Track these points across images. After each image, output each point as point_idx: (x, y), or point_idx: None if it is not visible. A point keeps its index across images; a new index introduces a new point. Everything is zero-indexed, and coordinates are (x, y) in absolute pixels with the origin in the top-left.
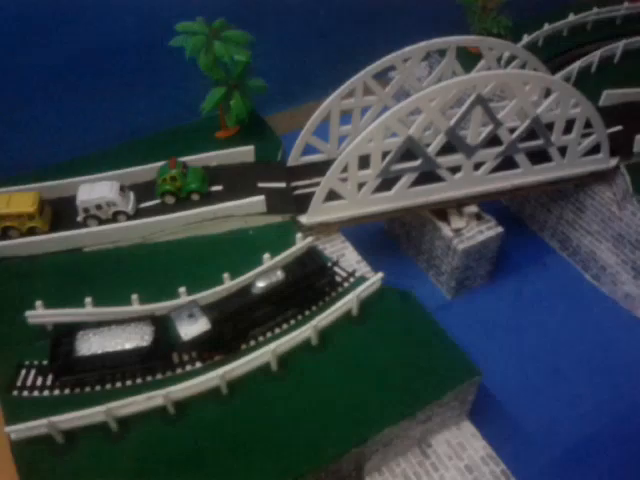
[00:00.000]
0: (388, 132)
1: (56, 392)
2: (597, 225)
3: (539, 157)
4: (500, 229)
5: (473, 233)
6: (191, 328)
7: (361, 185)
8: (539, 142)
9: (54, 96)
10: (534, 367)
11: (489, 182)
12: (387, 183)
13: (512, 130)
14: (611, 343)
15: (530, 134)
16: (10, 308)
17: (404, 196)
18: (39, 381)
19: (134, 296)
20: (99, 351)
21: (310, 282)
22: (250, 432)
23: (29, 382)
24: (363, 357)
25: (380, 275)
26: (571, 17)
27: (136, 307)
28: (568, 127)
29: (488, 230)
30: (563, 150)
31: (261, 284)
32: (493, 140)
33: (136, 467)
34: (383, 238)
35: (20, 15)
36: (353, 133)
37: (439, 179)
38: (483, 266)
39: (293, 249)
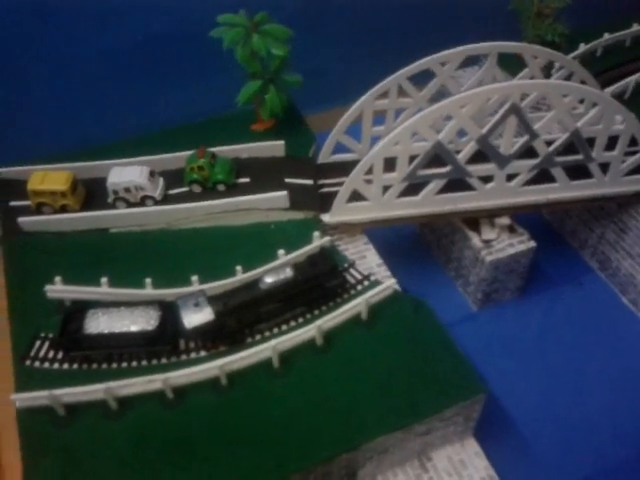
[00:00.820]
0: (420, 136)
1: (65, 366)
2: (639, 248)
3: (579, 172)
4: (532, 243)
5: (503, 245)
6: (195, 317)
7: (387, 188)
8: (578, 157)
9: (96, 83)
10: (555, 390)
11: (523, 194)
12: (414, 188)
13: (551, 143)
14: None
15: (570, 148)
16: (34, 281)
17: (431, 202)
18: (50, 354)
19: (148, 280)
20: (106, 330)
21: (319, 282)
22: (244, 425)
23: (42, 354)
24: (367, 363)
25: (393, 281)
26: (635, 27)
27: (148, 291)
28: (613, 144)
29: (520, 244)
30: (605, 167)
31: (269, 280)
32: (530, 151)
33: (131, 446)
34: (415, 243)
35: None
36: (385, 134)
37: (469, 187)
38: (513, 280)
39: (307, 248)
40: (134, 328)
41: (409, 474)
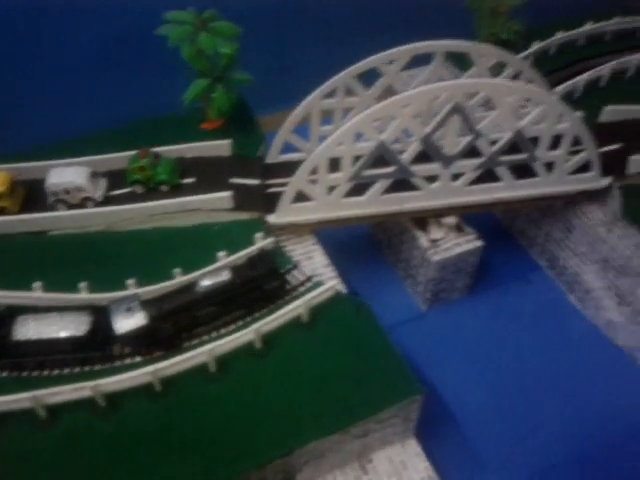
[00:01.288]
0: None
1: None
2: (584, 247)
3: (526, 172)
4: (479, 243)
5: (450, 245)
6: (126, 322)
7: (333, 188)
8: (523, 156)
9: (39, 81)
10: (500, 389)
11: (469, 194)
12: (362, 188)
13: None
14: (587, 371)
15: (517, 148)
16: None
17: (378, 202)
18: None
19: (82, 284)
20: (34, 337)
21: (258, 284)
22: (178, 432)
23: None
24: (305, 365)
25: (333, 283)
26: (588, 26)
27: (82, 295)
28: (558, 143)
29: (467, 243)
30: (551, 166)
31: (206, 282)
32: (475, 151)
33: (61, 456)
34: (367, 244)
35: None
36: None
37: (416, 187)
38: (461, 279)
39: (247, 250)
40: (63, 334)
41: (349, 476)
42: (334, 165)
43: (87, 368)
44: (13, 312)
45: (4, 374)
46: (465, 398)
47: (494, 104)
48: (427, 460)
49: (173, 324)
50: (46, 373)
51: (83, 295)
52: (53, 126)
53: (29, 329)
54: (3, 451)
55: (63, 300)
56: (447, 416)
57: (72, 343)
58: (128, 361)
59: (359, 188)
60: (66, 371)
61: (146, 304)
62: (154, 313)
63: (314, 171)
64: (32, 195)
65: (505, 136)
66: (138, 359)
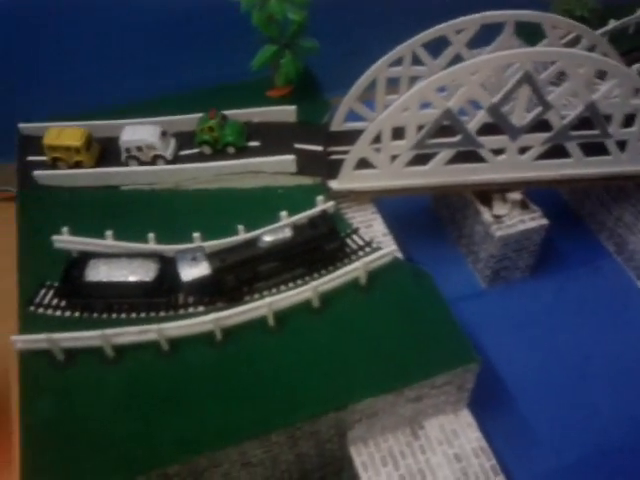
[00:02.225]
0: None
1: (67, 313)
2: None
3: (596, 149)
4: (545, 221)
5: (514, 222)
6: (191, 271)
7: (395, 157)
8: (595, 132)
9: (116, 45)
10: (559, 370)
11: (535, 169)
12: (424, 158)
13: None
14: None
15: (587, 124)
16: (44, 233)
17: (441, 173)
18: (54, 301)
19: (151, 235)
20: (105, 279)
21: (319, 244)
22: (235, 379)
23: (46, 301)
24: (361, 326)
25: (392, 248)
26: None
27: (149, 245)
28: (632, 121)
29: (531, 220)
30: (623, 145)
31: (268, 239)
32: (544, 125)
33: (124, 392)
34: (429, 218)
35: None
36: None
37: (481, 159)
38: (523, 258)
39: (310, 211)
40: (132, 278)
41: (400, 440)
42: (398, 133)
43: (152, 313)
44: (85, 257)
45: (76, 314)
46: (521, 376)
47: (567, 75)
48: (479, 431)
49: (235, 277)
50: (114, 316)
51: (151, 245)
52: (127, 89)
53: (100, 272)
54: (74, 383)
55: (132, 249)
56: (501, 392)
57: (140, 288)
58: (191, 310)
59: (421, 158)
60: (132, 315)
61: (210, 256)
62: (218, 265)
63: (378, 139)
64: (107, 152)
65: (577, 109)
66: (200, 309)
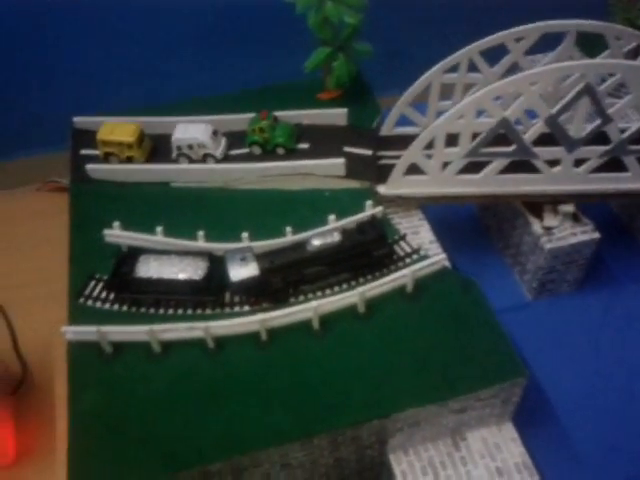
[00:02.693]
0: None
1: (115, 307)
2: None
3: None
4: (596, 235)
5: (565, 234)
6: (240, 271)
7: (446, 164)
8: None
9: (171, 43)
10: (605, 388)
11: (590, 182)
12: (475, 167)
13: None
14: None
15: None
16: (95, 226)
17: (493, 182)
18: (103, 294)
19: (200, 233)
20: (155, 276)
21: (367, 250)
22: (279, 381)
23: (95, 294)
24: (407, 335)
25: (443, 256)
26: None
27: (199, 243)
28: None
29: (583, 234)
30: None
31: (316, 242)
32: (600, 137)
33: (169, 387)
34: (474, 226)
35: None
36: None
37: (534, 170)
38: (572, 272)
39: (358, 215)
40: (182, 276)
41: (441, 450)
42: (450, 140)
43: (199, 311)
44: (136, 252)
45: (123, 308)
46: (565, 392)
47: (628, 88)
48: (523, 446)
49: (282, 278)
50: (162, 312)
51: (200, 243)
52: (179, 87)
53: (150, 268)
54: (120, 376)
55: (181, 246)
56: (545, 407)
57: (189, 286)
58: (237, 309)
59: (473, 167)
60: (179, 312)
61: (259, 257)
62: (266, 266)
63: (430, 145)
64: (158, 148)
65: (637, 123)
66: (246, 309)
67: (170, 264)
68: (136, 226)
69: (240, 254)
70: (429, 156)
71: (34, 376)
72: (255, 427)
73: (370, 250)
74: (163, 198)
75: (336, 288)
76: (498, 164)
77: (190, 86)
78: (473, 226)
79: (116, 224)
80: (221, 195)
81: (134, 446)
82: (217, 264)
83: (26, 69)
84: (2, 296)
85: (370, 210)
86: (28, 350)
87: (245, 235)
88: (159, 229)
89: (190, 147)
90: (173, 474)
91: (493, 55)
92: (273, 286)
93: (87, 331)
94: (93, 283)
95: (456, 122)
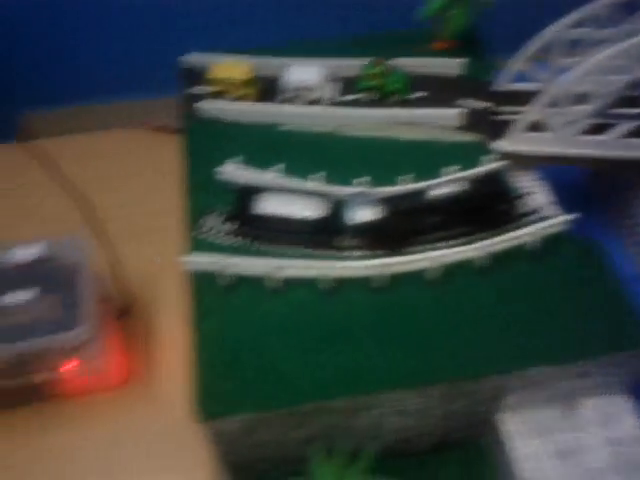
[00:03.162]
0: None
1: (231, 241)
2: None
3: None
4: None
5: None
6: (360, 214)
7: (571, 123)
8: None
9: None
10: None
11: None
12: (600, 128)
13: None
14: None
15: None
16: (207, 162)
17: (619, 145)
18: (220, 228)
19: (318, 175)
20: (275, 212)
21: (488, 204)
22: (396, 328)
23: (211, 227)
24: (528, 293)
25: (567, 217)
26: None
27: (316, 185)
28: None
29: None
30: None
31: (436, 192)
32: None
33: (287, 322)
34: (586, 192)
35: None
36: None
37: None
38: None
39: (481, 169)
40: (302, 214)
41: (552, 415)
42: (575, 99)
43: (315, 251)
44: (256, 190)
45: (240, 242)
46: None
47: None
48: (637, 419)
49: (402, 225)
50: (277, 248)
51: (318, 184)
52: (290, 28)
53: (271, 205)
54: (238, 308)
55: (297, 186)
56: None
57: (308, 224)
58: (351, 253)
59: (596, 129)
60: (295, 250)
61: (379, 202)
62: (387, 211)
63: (553, 102)
64: (267, 90)
65: None
66: (361, 253)
67: (290, 202)
68: (247, 165)
69: (360, 198)
70: (554, 114)
71: (138, 305)
72: (373, 370)
73: (492, 204)
74: (272, 139)
75: (452, 241)
76: (626, 126)
77: (300, 29)
78: (584, 192)
79: (232, 161)
80: (330, 140)
81: (253, 374)
82: (336, 206)
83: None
84: (111, 227)
85: (491, 164)
86: (132, 280)
87: (361, 180)
88: (274, 168)
89: (303, 90)
90: (292, 406)
91: (624, 10)
92: (393, 232)
93: (209, 261)
94: (209, 218)
95: (584, 80)
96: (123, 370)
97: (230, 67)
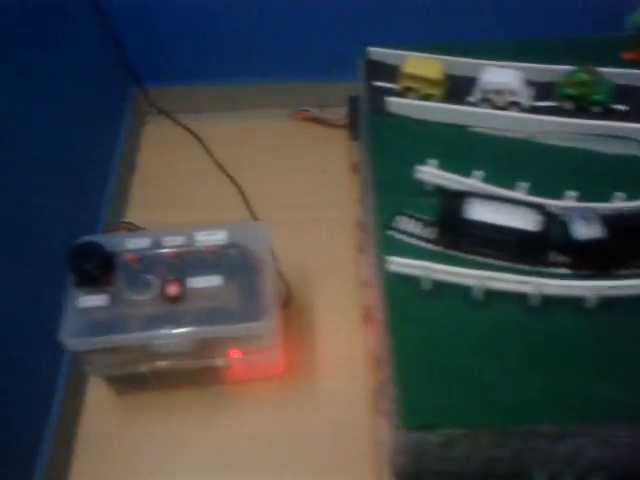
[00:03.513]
0: None
1: (430, 245)
2: None
3: None
4: None
5: None
6: (584, 231)
7: None
8: None
9: None
10: None
11: None
12: None
13: None
14: None
15: None
16: (396, 159)
17: None
18: (416, 229)
19: (523, 184)
20: (485, 220)
21: None
22: (607, 353)
23: (406, 227)
24: None
25: None
26: None
27: (524, 195)
28: None
29: None
30: None
31: None
32: None
33: (488, 339)
34: None
35: None
36: None
37: None
38: None
39: None
40: (516, 225)
41: None
42: None
43: (520, 265)
44: (461, 194)
45: (435, 247)
46: None
47: None
48: None
49: (623, 246)
50: (479, 258)
51: (525, 195)
52: (482, 30)
53: (479, 211)
54: (438, 316)
55: (505, 195)
56: None
57: (521, 236)
58: (559, 270)
59: None
60: (498, 261)
61: (600, 220)
62: (609, 230)
63: None
64: (454, 90)
65: None
66: (567, 271)
67: (500, 211)
68: (442, 167)
69: (582, 213)
70: None
71: (295, 297)
72: (585, 396)
73: None
74: (462, 142)
75: None
76: None
77: (490, 30)
78: None
79: (432, 162)
80: (527, 147)
81: (457, 388)
82: (551, 220)
83: None
84: (265, 216)
85: None
86: (289, 271)
87: (571, 194)
88: (477, 173)
89: (498, 92)
90: (501, 427)
91: None
92: (615, 253)
93: (412, 265)
94: (403, 218)
95: None
96: (284, 362)
97: (424, 64)
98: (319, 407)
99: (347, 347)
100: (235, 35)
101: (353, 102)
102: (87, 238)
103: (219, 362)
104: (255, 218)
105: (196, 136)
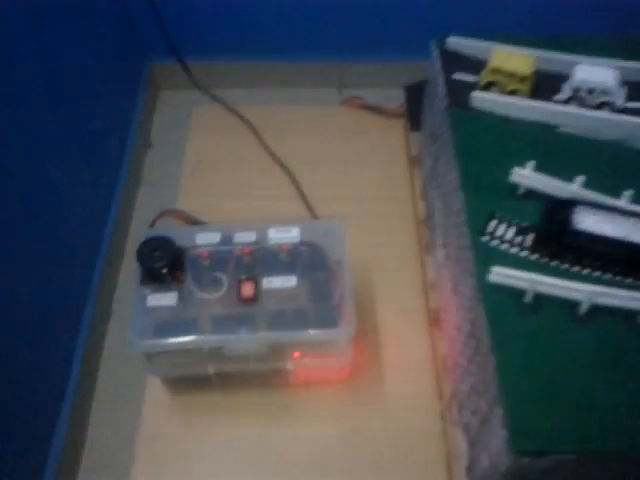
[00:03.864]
0: None
1: (525, 253)
2: None
3: None
4: None
5: None
6: None
7: None
8: None
9: None
10: None
11: None
12: None
13: None
14: None
15: None
16: (487, 159)
17: None
18: (513, 237)
19: (627, 192)
20: (596, 231)
21: None
22: None
23: (501, 234)
24: None
25: None
26: None
27: (630, 204)
28: None
29: None
30: None
31: None
32: None
33: (595, 356)
34: None
35: None
36: None
37: None
38: None
39: None
40: (629, 238)
41: None
42: None
43: (629, 279)
44: (563, 202)
45: (531, 256)
46: None
47: None
48: None
49: None
50: (582, 270)
51: (628, 203)
52: (579, 25)
53: (591, 222)
54: (541, 331)
55: (610, 203)
56: None
57: (634, 250)
58: None
59: None
60: (603, 274)
61: None
62: None
63: None
64: (539, 86)
65: None
66: None
67: (613, 222)
68: (517, 166)
69: None
70: None
71: (357, 296)
72: None
73: None
74: (551, 143)
75: None
76: None
77: (588, 24)
78: None
79: (531, 163)
80: (621, 152)
81: (568, 409)
82: None
83: None
84: (318, 208)
85: None
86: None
87: None
88: (579, 178)
89: (590, 91)
90: (615, 452)
91: None
92: None
93: (517, 276)
94: (495, 222)
95: None
96: (351, 366)
97: (514, 58)
98: (386, 413)
99: (414, 352)
100: (278, 12)
101: (414, 91)
102: (157, 231)
103: (287, 365)
104: (313, 213)
105: (250, 125)
